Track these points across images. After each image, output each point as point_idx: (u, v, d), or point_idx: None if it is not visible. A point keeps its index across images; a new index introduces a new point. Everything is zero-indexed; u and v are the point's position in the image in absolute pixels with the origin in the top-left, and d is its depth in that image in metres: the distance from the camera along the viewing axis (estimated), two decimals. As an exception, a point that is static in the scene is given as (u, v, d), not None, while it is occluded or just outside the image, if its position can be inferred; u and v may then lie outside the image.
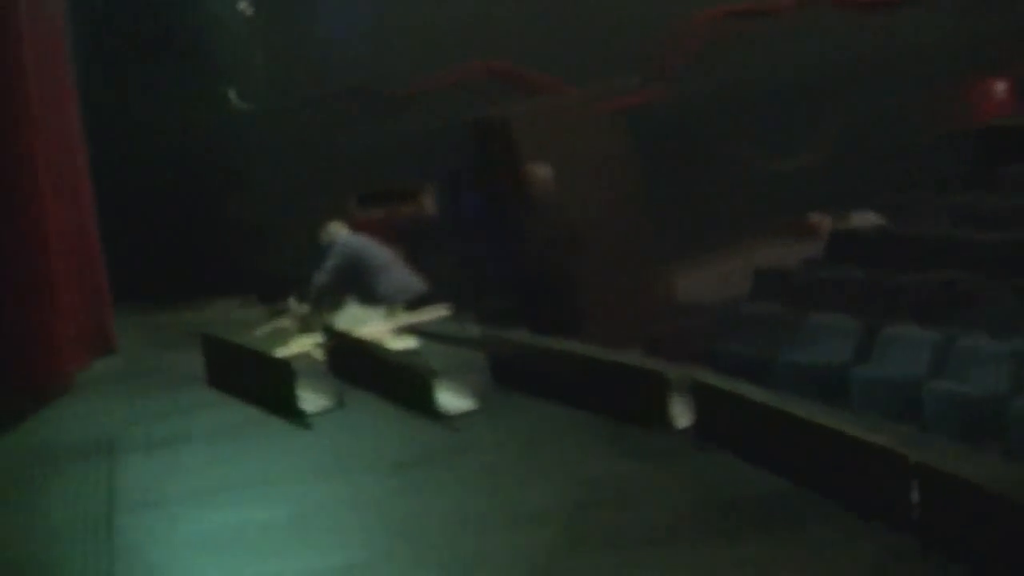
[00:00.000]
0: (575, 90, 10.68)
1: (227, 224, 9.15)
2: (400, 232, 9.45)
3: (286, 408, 5.69)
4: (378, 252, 8.45)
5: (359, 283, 8.33)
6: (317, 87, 9.17)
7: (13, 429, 5.93)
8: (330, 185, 9.13)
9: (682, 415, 5.11)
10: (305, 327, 7.98)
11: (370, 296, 8.24)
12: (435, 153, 9.76)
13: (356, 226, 9.06)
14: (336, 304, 8.17)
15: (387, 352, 6.24)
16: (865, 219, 9.09)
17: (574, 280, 8.97)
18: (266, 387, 5.95)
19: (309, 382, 5.87)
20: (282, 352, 7.11)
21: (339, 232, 8.56)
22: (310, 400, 5.84)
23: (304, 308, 8.25)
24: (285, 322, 8.22)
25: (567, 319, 8.85)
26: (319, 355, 7.12)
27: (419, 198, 9.76)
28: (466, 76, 10.00)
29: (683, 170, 11.70)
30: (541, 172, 9.19)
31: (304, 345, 7.38)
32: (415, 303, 8.12)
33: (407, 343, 7.15)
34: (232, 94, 8.84)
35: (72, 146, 7.37)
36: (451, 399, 5.69)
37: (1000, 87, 12.03)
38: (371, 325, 7.55)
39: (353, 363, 6.43)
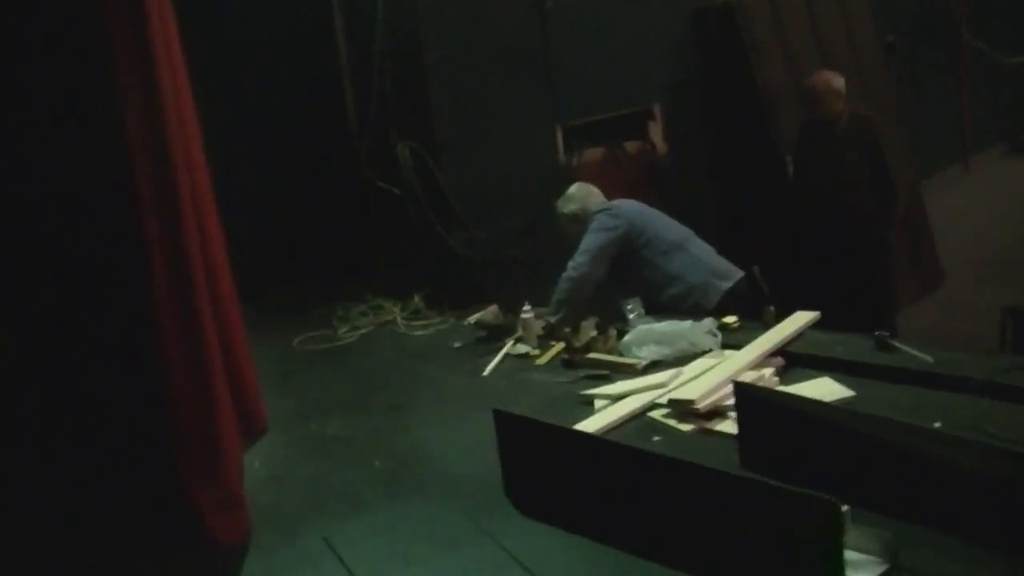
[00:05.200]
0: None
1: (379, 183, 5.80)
2: (630, 181, 6.20)
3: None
4: (666, 222, 5.18)
5: (637, 274, 5.07)
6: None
7: None
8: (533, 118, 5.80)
9: None
10: (556, 348, 4.78)
11: (657, 292, 4.99)
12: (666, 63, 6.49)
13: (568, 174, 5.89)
14: (600, 315, 4.91)
15: (940, 438, 3.01)
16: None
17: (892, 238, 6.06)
18: (749, 535, 2.73)
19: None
20: (589, 424, 3.89)
21: (593, 196, 5.29)
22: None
23: (551, 321, 5.00)
24: (519, 346, 4.94)
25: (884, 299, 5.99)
26: (667, 419, 3.90)
27: (647, 129, 6.46)
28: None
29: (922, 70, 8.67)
30: (836, 83, 6.02)
31: (609, 395, 4.16)
32: (737, 304, 4.91)
33: (825, 388, 3.97)
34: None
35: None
36: None
37: None
38: (720, 356, 4.33)
39: (822, 458, 3.21)
